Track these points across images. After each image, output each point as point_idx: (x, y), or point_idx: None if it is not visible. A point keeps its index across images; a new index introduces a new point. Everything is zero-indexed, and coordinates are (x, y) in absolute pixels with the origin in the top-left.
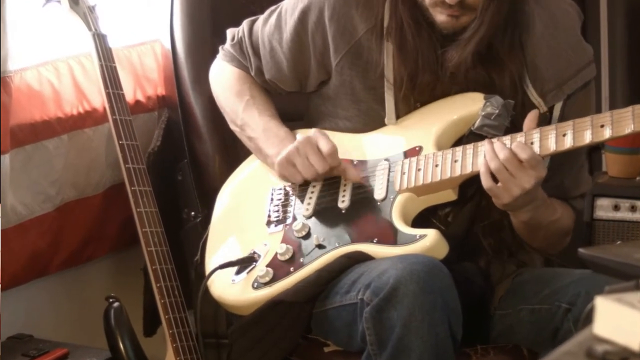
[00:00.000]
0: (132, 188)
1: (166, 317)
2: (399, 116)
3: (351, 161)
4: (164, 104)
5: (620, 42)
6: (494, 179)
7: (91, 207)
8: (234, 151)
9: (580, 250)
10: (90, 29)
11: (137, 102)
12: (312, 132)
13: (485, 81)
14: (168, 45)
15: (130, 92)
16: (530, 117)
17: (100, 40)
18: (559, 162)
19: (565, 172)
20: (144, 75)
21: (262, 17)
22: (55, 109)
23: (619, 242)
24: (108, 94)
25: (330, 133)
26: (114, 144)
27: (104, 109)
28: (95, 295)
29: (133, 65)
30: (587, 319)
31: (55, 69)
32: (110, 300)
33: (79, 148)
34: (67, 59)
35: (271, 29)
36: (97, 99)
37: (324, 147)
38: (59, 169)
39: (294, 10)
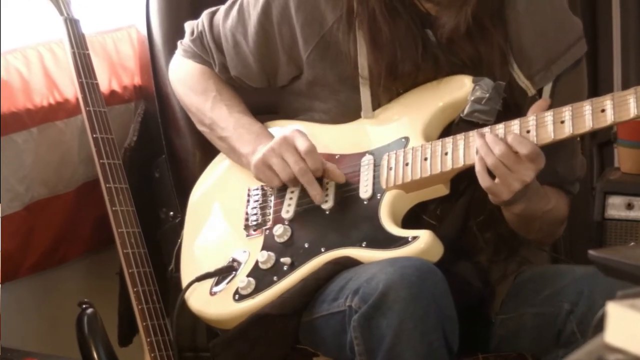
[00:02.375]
0: (107, 185)
1: (144, 324)
2: (379, 105)
3: (333, 156)
4: (141, 94)
5: (634, 31)
6: (491, 175)
7: (63, 205)
8: (215, 147)
9: (591, 252)
10: (61, 14)
11: (113, 92)
12: (288, 130)
13: (471, 63)
14: (144, 31)
15: (105, 82)
16: (539, 105)
17: (72, 25)
18: (552, 147)
19: (558, 158)
20: (119, 64)
21: (222, 9)
22: (24, 99)
23: (632, 244)
24: (81, 84)
25: (308, 125)
26: (87, 137)
27: (77, 99)
28: (68, 301)
29: (108, 53)
30: (598, 326)
31: (24, 56)
32: (84, 306)
33: (49, 142)
34: (36, 46)
35: (233, 22)
36: (70, 89)
37: (301, 145)
38: (28, 164)
39: (257, 1)
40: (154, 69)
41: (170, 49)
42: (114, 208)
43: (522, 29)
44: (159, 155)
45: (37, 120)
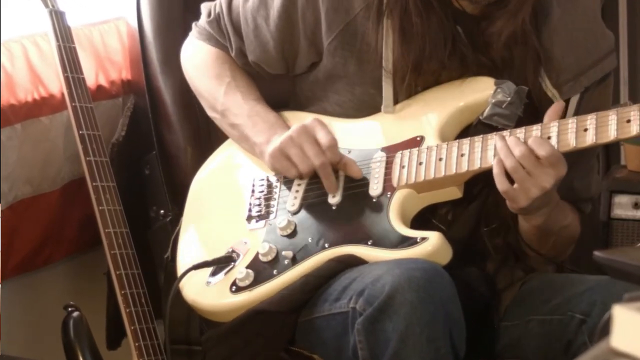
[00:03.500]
0: (94, 184)
1: (132, 328)
2: (397, 102)
3: (344, 150)
4: (130, 89)
5: None
6: (509, 179)
7: (48, 205)
8: (208, 142)
9: (596, 253)
10: (46, 6)
11: (100, 87)
12: (309, 119)
13: (501, 65)
14: (134, 24)
15: (92, 76)
16: (554, 110)
17: (58, 17)
18: (571, 161)
19: (576, 173)
20: (107, 57)
21: None
22: (7, 95)
23: (639, 244)
24: (67, 78)
25: (322, 117)
26: (73, 134)
27: (62, 95)
28: (53, 304)
29: (95, 46)
30: (604, 330)
31: (8, 50)
32: (69, 309)
33: (34, 139)
34: (20, 39)
35: (255, 4)
36: (55, 83)
37: (323, 138)
38: (12, 162)
39: None
40: (144, 62)
41: (162, 42)
42: (100, 207)
43: (555, 36)
44: (149, 152)
45: (21, 116)
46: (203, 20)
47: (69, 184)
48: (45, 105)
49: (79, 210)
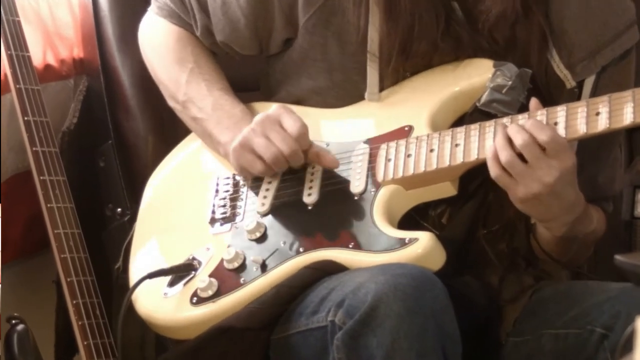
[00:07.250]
0: (42, 177)
1: (85, 343)
2: (382, 90)
3: (321, 143)
4: (82, 69)
5: None
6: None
7: None
8: (172, 130)
9: (617, 257)
10: None
11: (48, 66)
12: (272, 108)
13: (503, 46)
14: None
15: (39, 54)
16: (532, 105)
17: None
18: (593, 152)
19: (599, 165)
20: (56, 33)
21: None
22: None
23: None
24: (10, 57)
25: (294, 107)
26: (17, 120)
27: (5, 76)
28: None
29: (42, 20)
30: (627, 344)
31: None
32: (13, 321)
33: None
34: None
35: None
36: None
37: (291, 125)
38: None
39: None
40: (99, 38)
41: (119, 15)
42: (49, 205)
43: (566, 9)
44: (105, 141)
45: None
46: None
47: (13, 178)
48: None
49: (24, 209)
